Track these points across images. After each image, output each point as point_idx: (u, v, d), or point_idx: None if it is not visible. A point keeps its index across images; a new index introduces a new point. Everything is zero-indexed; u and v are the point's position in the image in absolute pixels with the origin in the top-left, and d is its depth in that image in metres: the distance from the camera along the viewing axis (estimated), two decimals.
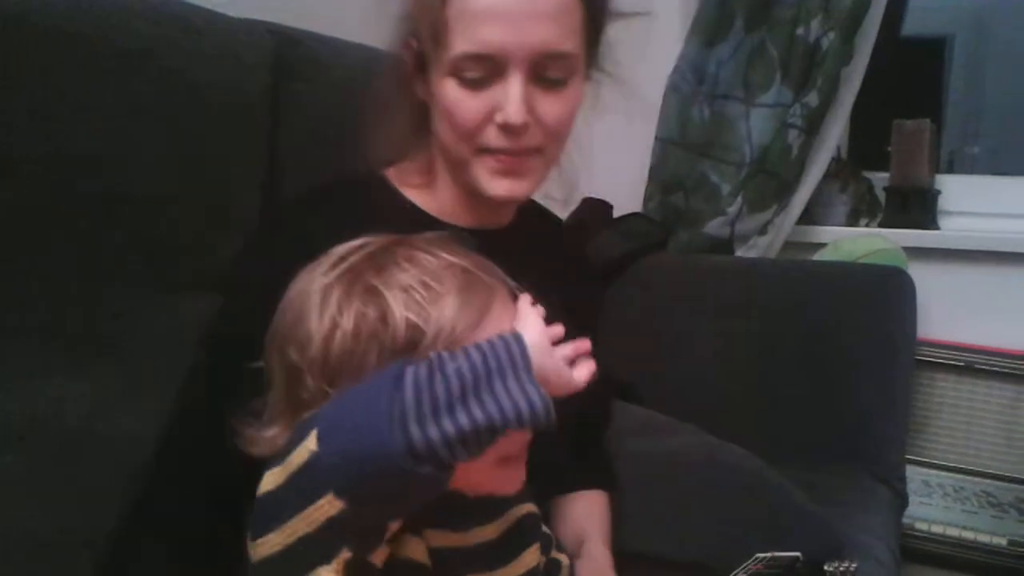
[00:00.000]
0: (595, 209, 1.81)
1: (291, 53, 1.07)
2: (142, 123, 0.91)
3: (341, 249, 0.66)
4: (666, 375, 1.55)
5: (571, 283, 0.94)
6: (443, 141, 0.83)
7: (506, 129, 0.79)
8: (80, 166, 0.88)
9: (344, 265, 0.63)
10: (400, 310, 0.59)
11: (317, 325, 0.61)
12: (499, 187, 0.82)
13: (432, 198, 0.88)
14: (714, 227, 1.72)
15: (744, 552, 0.92)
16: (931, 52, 3.53)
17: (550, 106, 0.80)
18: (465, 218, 0.88)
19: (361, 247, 0.65)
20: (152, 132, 0.92)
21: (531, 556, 0.73)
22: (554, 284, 0.82)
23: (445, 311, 0.60)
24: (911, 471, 1.57)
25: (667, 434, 1.24)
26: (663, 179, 1.77)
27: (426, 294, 0.60)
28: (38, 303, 0.85)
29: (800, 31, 1.64)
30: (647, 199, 1.80)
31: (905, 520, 1.56)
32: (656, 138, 1.76)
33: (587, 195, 1.82)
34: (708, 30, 1.71)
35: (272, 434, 0.63)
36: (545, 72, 0.79)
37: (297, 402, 0.62)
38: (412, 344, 0.59)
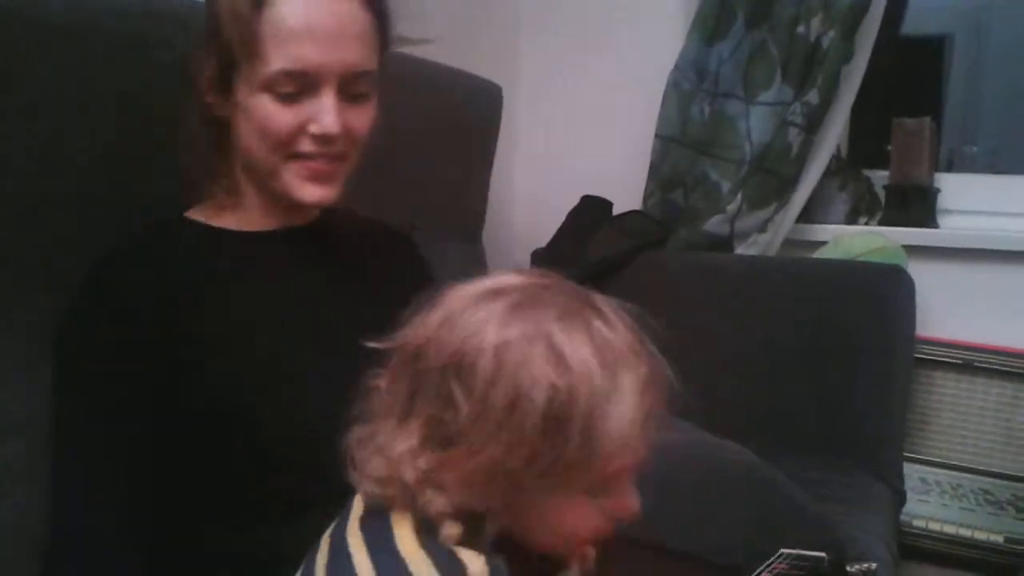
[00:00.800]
0: (594, 207, 1.81)
1: None
2: (140, 122, 0.91)
3: (519, 287, 0.62)
4: None
5: (395, 277, 0.98)
6: (252, 153, 0.87)
7: (321, 139, 0.85)
8: (77, 164, 0.88)
9: (528, 321, 0.59)
10: (584, 398, 0.58)
11: (494, 386, 0.58)
12: (310, 193, 0.88)
13: (237, 213, 0.91)
14: (714, 225, 1.72)
15: (740, 548, 0.92)
16: (931, 51, 3.52)
17: (356, 118, 0.87)
18: (272, 223, 0.92)
19: (543, 294, 0.61)
20: (149, 130, 0.92)
21: None
22: (369, 275, 0.96)
23: (613, 413, 0.60)
24: (909, 468, 1.58)
25: (664, 431, 1.24)
26: (663, 177, 1.77)
27: (608, 385, 0.60)
28: (35, 301, 0.85)
29: (801, 29, 1.64)
30: (647, 197, 1.80)
31: (903, 517, 1.56)
32: (656, 136, 1.76)
33: (587, 193, 1.83)
34: (709, 28, 1.71)
35: (403, 450, 0.60)
36: (351, 88, 0.85)
37: (437, 424, 0.59)
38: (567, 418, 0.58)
